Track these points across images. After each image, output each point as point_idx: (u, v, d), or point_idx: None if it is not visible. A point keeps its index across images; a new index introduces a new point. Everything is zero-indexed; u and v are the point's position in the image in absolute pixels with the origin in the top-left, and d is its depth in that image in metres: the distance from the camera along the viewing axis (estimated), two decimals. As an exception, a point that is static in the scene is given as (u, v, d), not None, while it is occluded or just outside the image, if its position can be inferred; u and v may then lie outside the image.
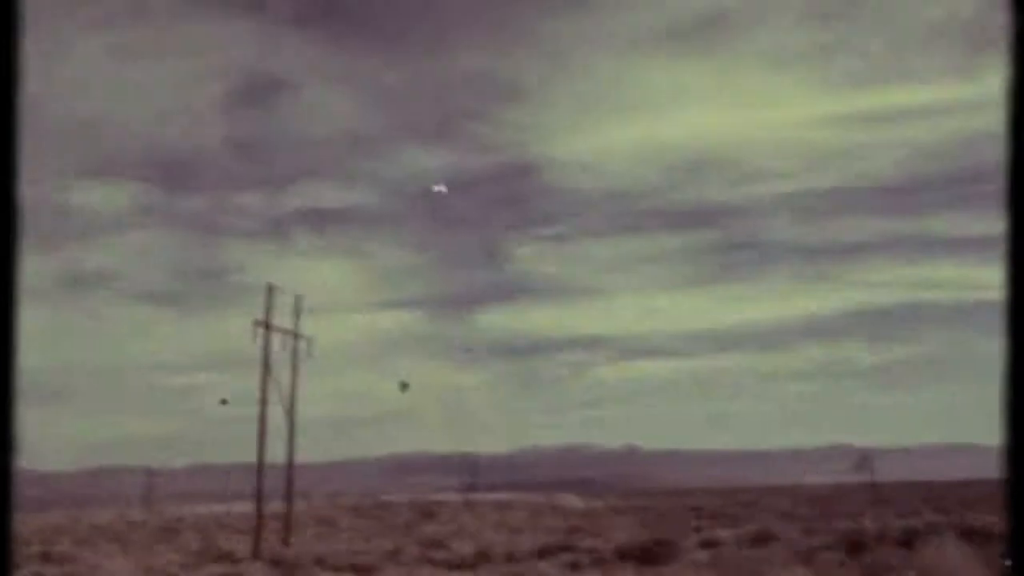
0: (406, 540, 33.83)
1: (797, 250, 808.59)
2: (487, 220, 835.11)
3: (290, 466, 35.40)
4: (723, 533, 27.87)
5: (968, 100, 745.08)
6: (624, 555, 21.85)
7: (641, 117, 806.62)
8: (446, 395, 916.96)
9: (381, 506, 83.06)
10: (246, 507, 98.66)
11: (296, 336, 36.24)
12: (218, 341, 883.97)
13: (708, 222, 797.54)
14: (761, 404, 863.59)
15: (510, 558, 23.18)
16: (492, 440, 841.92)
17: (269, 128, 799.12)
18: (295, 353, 36.09)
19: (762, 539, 24.57)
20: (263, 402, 33.29)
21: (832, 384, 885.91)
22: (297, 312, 36.50)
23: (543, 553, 23.37)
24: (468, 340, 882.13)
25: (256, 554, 29.65)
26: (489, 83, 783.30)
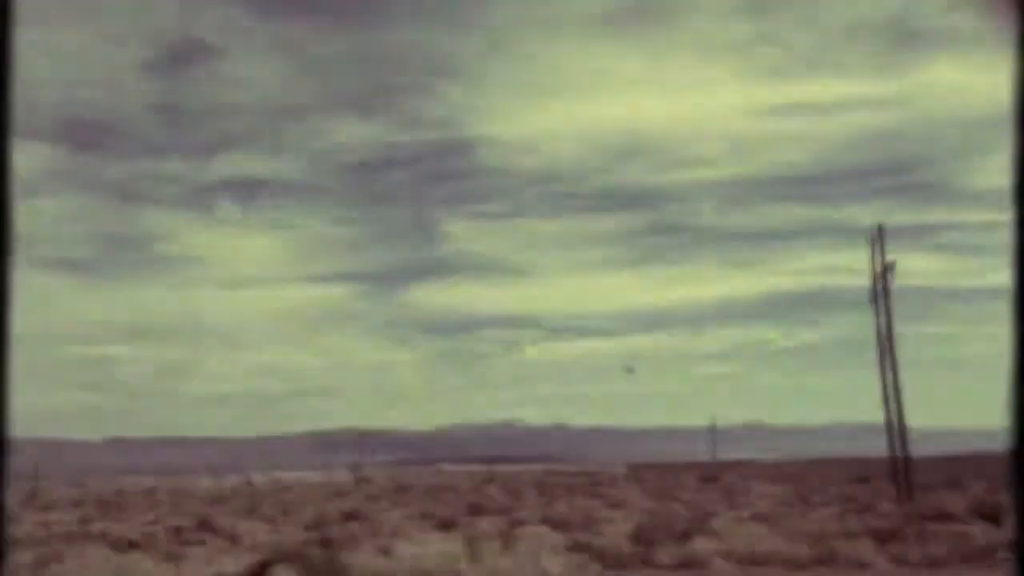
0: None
1: (720, 235, 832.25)
2: (419, 196, 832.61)
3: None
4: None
5: (883, 96, 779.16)
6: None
7: (575, 100, 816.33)
8: (375, 372, 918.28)
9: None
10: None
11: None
12: (138, 312, 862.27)
13: (638, 205, 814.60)
14: (683, 383, 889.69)
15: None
16: (421, 417, 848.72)
17: (193, 95, 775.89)
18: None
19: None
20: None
21: (747, 365, 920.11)
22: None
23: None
24: (397, 316, 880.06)
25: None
26: (423, 58, 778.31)
